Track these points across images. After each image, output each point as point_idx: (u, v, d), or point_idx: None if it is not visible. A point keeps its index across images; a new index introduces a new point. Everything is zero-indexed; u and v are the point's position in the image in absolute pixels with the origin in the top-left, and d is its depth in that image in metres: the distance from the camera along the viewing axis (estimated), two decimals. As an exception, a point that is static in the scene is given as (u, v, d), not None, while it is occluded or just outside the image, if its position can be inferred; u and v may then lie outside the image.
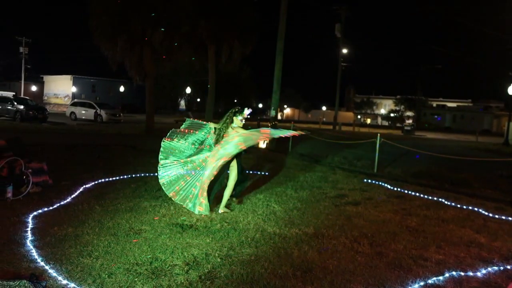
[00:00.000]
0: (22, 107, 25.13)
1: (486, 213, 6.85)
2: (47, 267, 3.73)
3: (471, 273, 4.18)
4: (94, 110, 29.46)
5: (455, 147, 23.05)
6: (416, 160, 13.83)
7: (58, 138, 15.46)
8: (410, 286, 3.80)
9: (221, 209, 5.98)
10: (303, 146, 17.36)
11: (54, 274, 3.60)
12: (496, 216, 6.68)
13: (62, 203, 5.95)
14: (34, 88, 59.96)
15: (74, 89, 59.14)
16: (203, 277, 3.75)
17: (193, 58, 23.77)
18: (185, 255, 4.23)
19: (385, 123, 78.34)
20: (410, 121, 49.57)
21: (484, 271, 4.25)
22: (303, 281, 3.75)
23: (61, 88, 61.23)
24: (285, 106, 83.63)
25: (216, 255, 4.29)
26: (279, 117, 58.75)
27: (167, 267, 3.91)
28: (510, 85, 26.11)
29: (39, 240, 4.42)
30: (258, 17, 22.25)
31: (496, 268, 4.37)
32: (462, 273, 4.16)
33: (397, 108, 78.99)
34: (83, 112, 30.44)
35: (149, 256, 4.15)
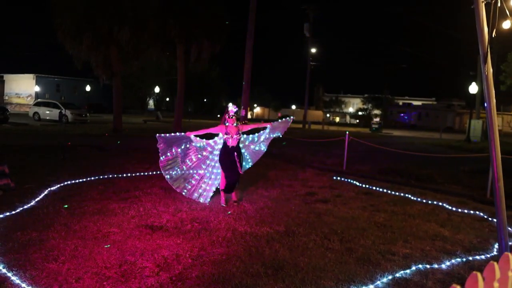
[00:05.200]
0: (-20, 107, 24.03)
1: (450, 207, 7.10)
2: (9, 274, 3.58)
3: (436, 266, 4.33)
4: (59, 110, 28.43)
5: (420, 144, 23.77)
6: (384, 157, 14.16)
7: (21, 139, 14.89)
8: (379, 280, 3.89)
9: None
10: (273, 144, 17.43)
11: (17, 281, 3.46)
12: (459, 210, 6.95)
13: (25, 206, 5.74)
14: (-7, 87, 57.42)
15: (37, 88, 57.03)
16: (174, 278, 3.70)
17: (161, 57, 23.45)
18: (155, 256, 4.17)
19: (354, 121, 79.87)
20: (378, 119, 50.67)
21: (448, 263, 4.41)
22: (275, 279, 3.77)
23: (23, 88, 58.89)
24: (255, 105, 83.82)
25: (187, 255, 4.25)
26: (249, 116, 58.79)
27: (137, 270, 3.84)
28: (471, 84, 27.15)
29: (0, 246, 4.24)
30: (227, 17, 22.16)
31: (459, 259, 4.55)
32: (428, 266, 4.31)
33: (365, 107, 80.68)
34: (47, 112, 29.46)
35: (118, 258, 4.07)
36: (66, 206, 5.91)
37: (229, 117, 6.38)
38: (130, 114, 48.64)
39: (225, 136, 6.40)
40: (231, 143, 6.39)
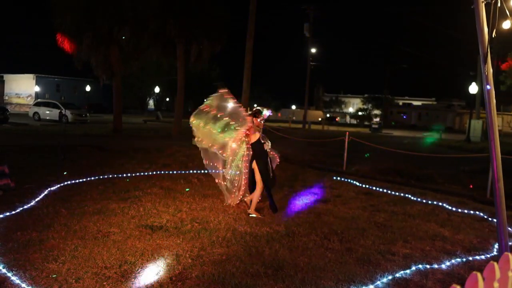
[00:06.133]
0: (-20, 107, 24.01)
1: (450, 207, 7.10)
2: (9, 274, 3.58)
3: (436, 266, 4.33)
4: (59, 110, 28.50)
5: (421, 144, 23.76)
6: (384, 157, 14.15)
7: (21, 139, 14.89)
8: (379, 280, 3.89)
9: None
10: (273, 145, 17.41)
11: (17, 281, 3.46)
12: (459, 210, 6.94)
13: (25, 206, 5.74)
14: (-7, 87, 57.45)
15: (37, 88, 57.04)
16: (174, 278, 3.70)
17: (161, 57, 23.44)
18: (155, 256, 4.17)
19: (354, 121, 79.92)
20: (378, 119, 50.73)
21: (448, 263, 4.41)
22: (275, 279, 3.77)
23: (23, 88, 58.92)
24: (255, 105, 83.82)
25: (187, 255, 4.25)
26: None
27: (137, 270, 3.84)
28: (471, 84, 27.13)
29: (0, 246, 4.24)
30: (227, 16, 22.14)
31: (459, 259, 4.55)
32: (428, 266, 4.31)
33: (365, 107, 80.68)
34: (47, 112, 29.46)
35: (118, 258, 4.06)
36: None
37: (261, 121, 6.10)
38: (130, 114, 48.63)
39: (262, 140, 6.06)
40: (265, 147, 6.10)
